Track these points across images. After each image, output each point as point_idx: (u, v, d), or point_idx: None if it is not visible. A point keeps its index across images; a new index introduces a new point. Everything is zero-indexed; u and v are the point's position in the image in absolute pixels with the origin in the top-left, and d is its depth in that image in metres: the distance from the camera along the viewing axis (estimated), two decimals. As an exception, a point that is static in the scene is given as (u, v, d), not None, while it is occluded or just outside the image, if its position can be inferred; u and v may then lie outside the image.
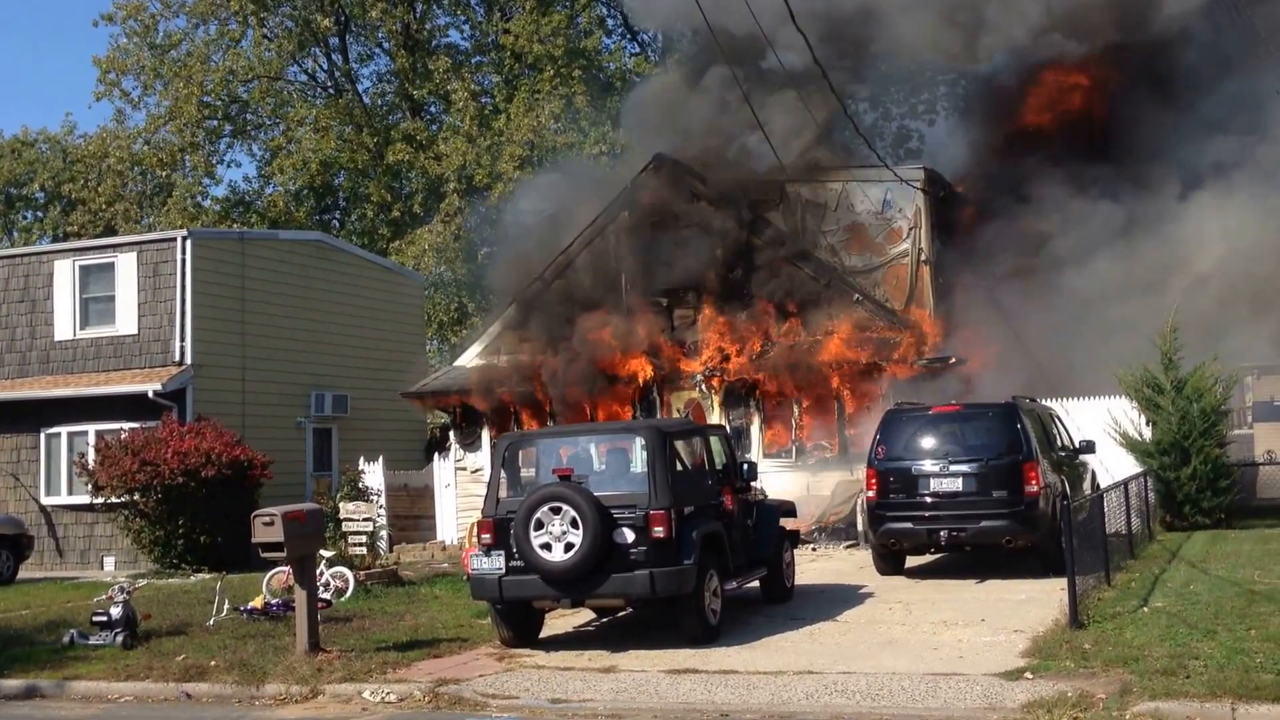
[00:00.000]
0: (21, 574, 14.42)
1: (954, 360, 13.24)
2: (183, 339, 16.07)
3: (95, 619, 8.88)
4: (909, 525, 10.04)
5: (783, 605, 9.04)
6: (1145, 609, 7.80)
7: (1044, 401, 11.78)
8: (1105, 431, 12.68)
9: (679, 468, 8.13)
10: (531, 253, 15.35)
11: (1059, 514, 9.08)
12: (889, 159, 14.18)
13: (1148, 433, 12.85)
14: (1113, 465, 12.37)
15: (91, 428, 15.86)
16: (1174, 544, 11.12)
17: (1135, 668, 6.28)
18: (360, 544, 11.24)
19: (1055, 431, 11.19)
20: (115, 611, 8.77)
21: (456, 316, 25.65)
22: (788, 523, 9.50)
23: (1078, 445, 11.48)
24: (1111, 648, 6.76)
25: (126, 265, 16.53)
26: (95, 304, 16.72)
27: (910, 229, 14.15)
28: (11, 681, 7.93)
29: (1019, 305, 13.53)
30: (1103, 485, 10.93)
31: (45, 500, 16.28)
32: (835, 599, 9.30)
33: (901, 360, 13.14)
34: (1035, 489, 9.75)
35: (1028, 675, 6.42)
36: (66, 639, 8.84)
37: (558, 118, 23.56)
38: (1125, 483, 10.60)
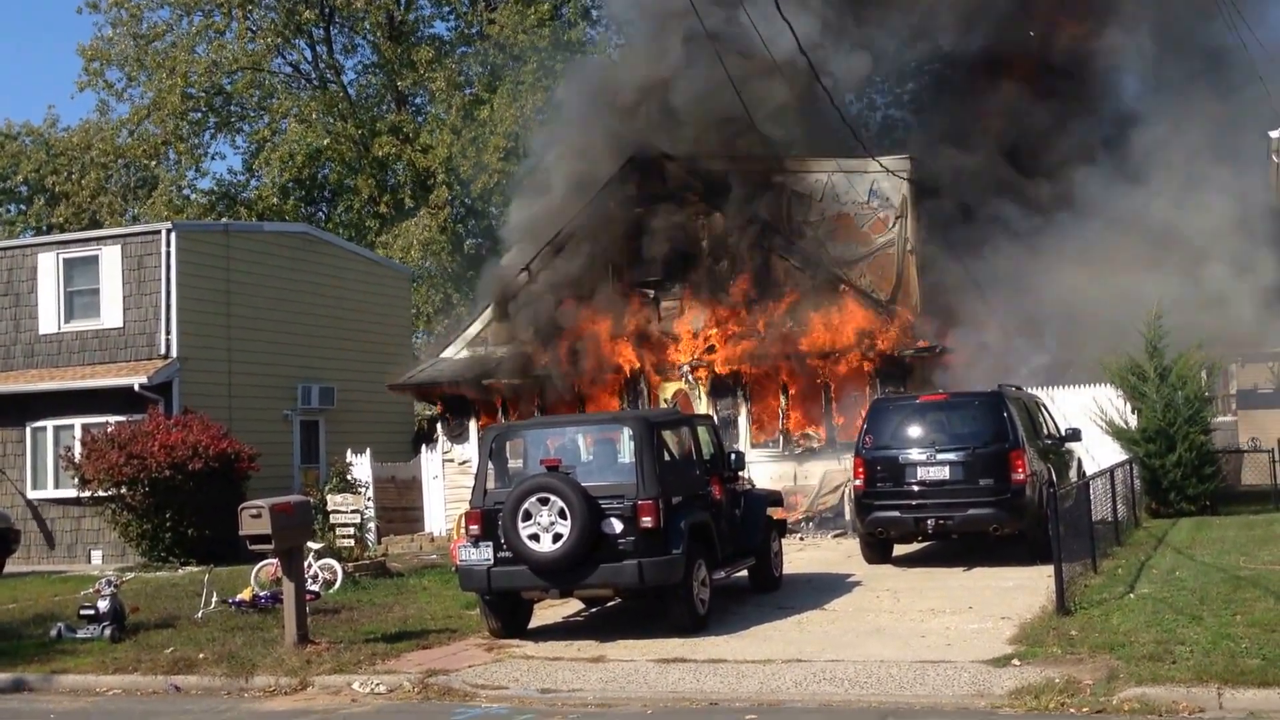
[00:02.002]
0: (8, 568, 14.36)
1: (940, 349, 13.29)
2: (168, 332, 15.97)
3: (83, 612, 8.84)
4: (896, 514, 10.08)
5: (771, 594, 9.07)
6: (1132, 595, 7.85)
7: (1030, 390, 11.84)
8: (1091, 419, 12.76)
9: (666, 458, 8.14)
10: (521, 244, 15.30)
11: (1045, 501, 9.14)
12: (874, 149, 14.15)
13: (1133, 420, 12.93)
14: (1098, 453, 12.45)
15: (77, 421, 15.76)
16: (1160, 531, 11.20)
17: (1122, 653, 6.32)
18: (348, 536, 11.22)
19: (1041, 419, 11.25)
20: (103, 605, 8.74)
21: (443, 308, 25.59)
22: (775, 512, 9.52)
23: (1064, 433, 11.55)
24: (1098, 634, 6.80)
25: (111, 258, 16.39)
26: (80, 297, 16.59)
27: (896, 219, 14.17)
28: (-1, 676, 7.90)
29: (1005, 293, 13.58)
30: (1089, 473, 10.99)
31: (31, 494, 16.17)
32: (823, 588, 9.34)
33: (888, 349, 13.17)
34: (1022, 477, 9.81)
35: (1015, 662, 6.46)
36: (54, 632, 8.80)
37: (541, 109, 23.48)
38: (1111, 470, 10.67)
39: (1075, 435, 11.54)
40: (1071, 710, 5.66)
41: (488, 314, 15.33)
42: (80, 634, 8.69)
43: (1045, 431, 11.17)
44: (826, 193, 14.45)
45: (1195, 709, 5.55)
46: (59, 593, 11.59)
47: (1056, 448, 11.23)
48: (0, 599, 11.43)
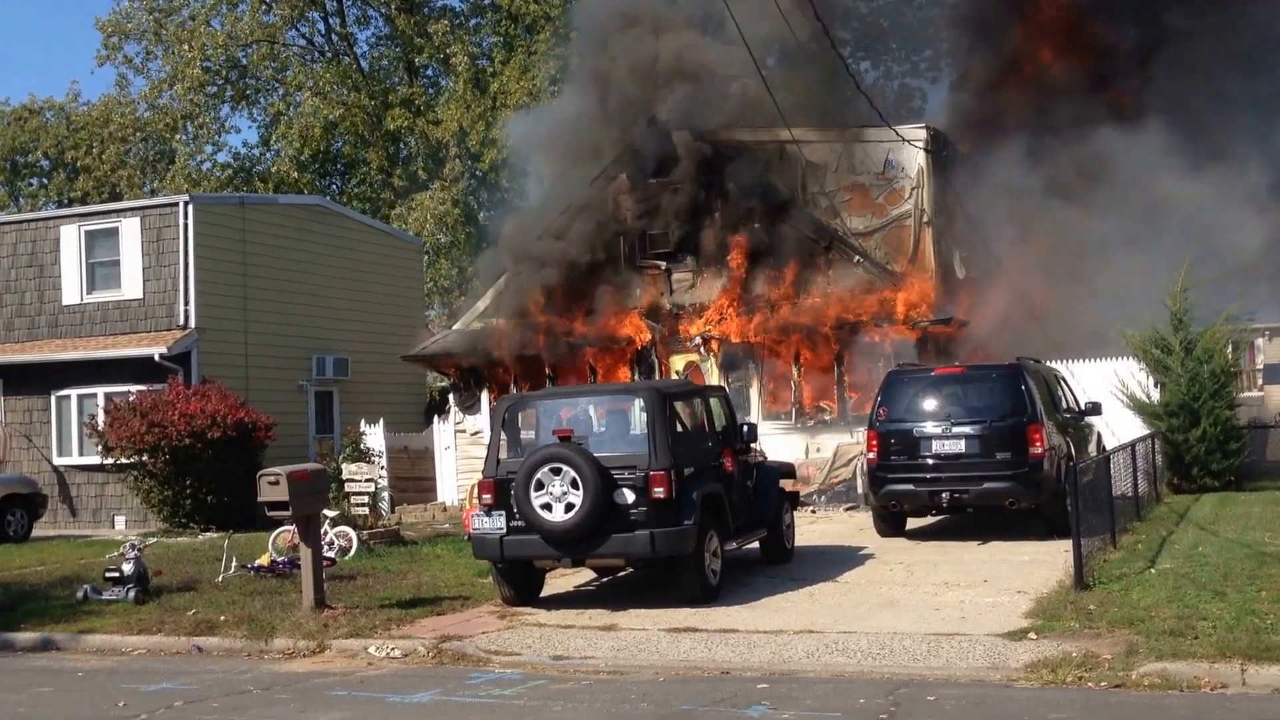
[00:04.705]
0: (35, 532, 14.68)
1: (956, 321, 13.10)
2: (186, 303, 16.12)
3: (108, 575, 9.02)
4: (910, 487, 9.99)
5: (782, 566, 9.06)
6: (1152, 570, 7.73)
7: (1049, 363, 11.64)
8: (1112, 393, 12.55)
9: (679, 429, 8.11)
10: (533, 214, 15.20)
11: (1063, 476, 9.01)
12: (891, 118, 13.82)
13: (1156, 394, 12.71)
14: (1119, 428, 12.26)
15: (100, 390, 15.99)
16: (1182, 506, 11.04)
17: (1142, 628, 6.22)
18: (363, 504, 11.34)
19: (1060, 393, 11.07)
20: (127, 568, 8.91)
21: (458, 281, 25.62)
22: (787, 484, 9.49)
23: (1083, 407, 11.36)
24: (1117, 609, 6.70)
25: (130, 230, 16.52)
26: (101, 268, 16.77)
27: (912, 189, 13.90)
28: (28, 635, 8.10)
29: (1024, 265, 13.32)
30: (1108, 447, 10.83)
31: (57, 461, 16.49)
32: (835, 560, 9.31)
33: (903, 321, 13.01)
34: (1039, 451, 9.67)
35: (1031, 636, 6.39)
36: (80, 594, 8.99)
37: (554, 80, 23.20)
38: (1132, 444, 10.48)
39: (1095, 409, 11.35)
40: (1090, 685, 5.59)
41: (500, 285, 15.28)
42: (106, 596, 8.87)
43: (1064, 405, 11.00)
44: (842, 163, 14.20)
45: (1218, 685, 5.45)
46: (84, 556, 11.82)
47: (1076, 422, 11.06)
48: (28, 562, 11.67)
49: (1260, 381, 16.27)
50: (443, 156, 25.36)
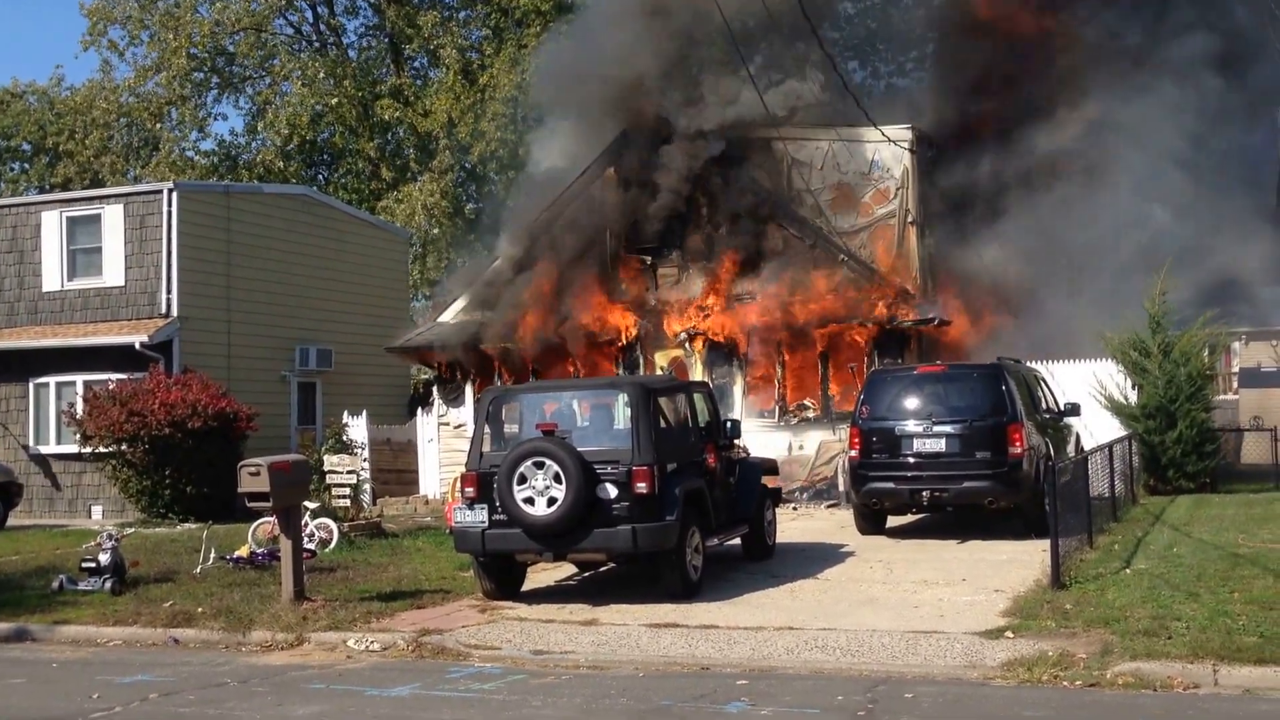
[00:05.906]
0: (11, 521, 14.49)
1: (939, 321, 13.19)
2: (169, 291, 15.96)
3: (84, 565, 8.94)
4: (891, 485, 10.07)
5: (763, 563, 9.10)
6: (1128, 571, 7.82)
7: (1029, 363, 11.75)
8: (1090, 394, 12.68)
9: (662, 424, 8.12)
10: (523, 206, 15.16)
11: (1042, 476, 9.12)
12: (877, 118, 13.88)
13: (1133, 396, 12.86)
14: (1097, 429, 12.40)
15: (79, 378, 15.81)
16: (1157, 507, 11.17)
17: (1117, 628, 6.30)
18: (344, 496, 11.27)
19: (1040, 393, 11.18)
20: (104, 558, 8.83)
21: (445, 273, 25.51)
22: (770, 481, 9.52)
23: (1063, 407, 11.48)
24: (1093, 608, 6.78)
25: (113, 217, 16.33)
26: (82, 255, 16.57)
27: (898, 189, 13.98)
28: (2, 625, 8.00)
29: (1006, 266, 13.43)
30: (1087, 448, 10.95)
31: (34, 449, 16.29)
32: (816, 557, 9.36)
33: (886, 320, 13.08)
34: (1019, 450, 9.77)
35: (1008, 634, 6.46)
36: (56, 584, 8.90)
37: (544, 69, 23.06)
38: (1110, 446, 10.61)
39: (1074, 410, 11.47)
40: (1064, 683, 5.65)
41: (485, 278, 15.22)
42: (81, 586, 8.79)
43: (1044, 405, 11.10)
44: (827, 162, 14.26)
45: (1190, 685, 5.53)
46: (60, 546, 11.69)
47: (1055, 422, 11.17)
48: (3, 551, 11.53)
49: (1235, 385, 16.48)
50: (432, 148, 25.21)
